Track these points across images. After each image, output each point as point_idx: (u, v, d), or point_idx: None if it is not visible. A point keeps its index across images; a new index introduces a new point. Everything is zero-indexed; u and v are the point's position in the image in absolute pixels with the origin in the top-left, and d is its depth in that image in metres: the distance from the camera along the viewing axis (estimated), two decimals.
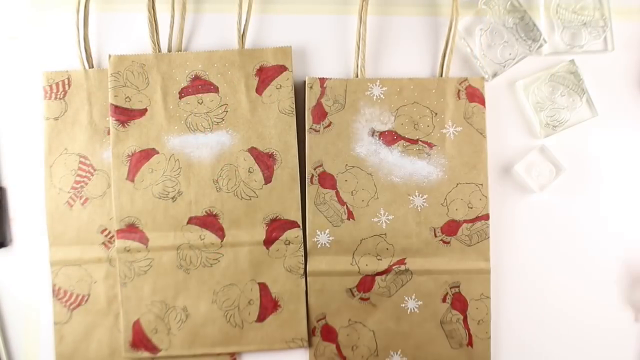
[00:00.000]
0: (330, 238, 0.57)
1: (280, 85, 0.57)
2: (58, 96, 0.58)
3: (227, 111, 0.57)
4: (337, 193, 0.57)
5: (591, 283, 0.60)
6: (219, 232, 0.57)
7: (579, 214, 0.61)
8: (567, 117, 0.60)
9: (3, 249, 0.59)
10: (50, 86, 0.58)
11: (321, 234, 0.57)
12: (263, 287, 0.57)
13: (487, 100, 0.58)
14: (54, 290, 0.57)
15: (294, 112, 0.57)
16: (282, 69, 0.58)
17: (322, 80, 0.58)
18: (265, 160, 0.57)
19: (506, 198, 0.60)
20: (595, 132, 0.61)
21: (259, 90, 0.58)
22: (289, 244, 0.57)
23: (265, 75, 0.58)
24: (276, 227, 0.57)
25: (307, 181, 0.57)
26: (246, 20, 0.58)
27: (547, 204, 0.60)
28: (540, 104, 0.60)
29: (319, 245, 0.57)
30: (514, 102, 0.61)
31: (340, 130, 0.58)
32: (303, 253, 0.57)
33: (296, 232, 0.57)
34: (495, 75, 0.59)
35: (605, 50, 0.61)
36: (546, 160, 0.60)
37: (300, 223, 0.57)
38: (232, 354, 0.58)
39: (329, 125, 0.57)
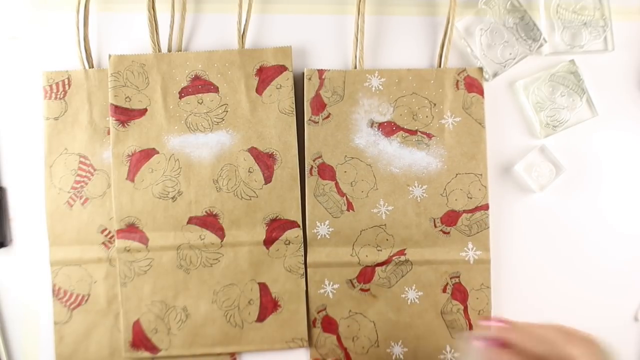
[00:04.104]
0: (330, 229, 0.57)
1: (280, 85, 0.57)
2: (58, 96, 0.58)
3: (227, 111, 0.57)
4: (337, 184, 0.57)
5: (590, 279, 0.60)
6: (219, 232, 0.57)
7: (579, 213, 0.61)
8: (567, 117, 0.60)
9: (3, 249, 0.59)
10: (50, 86, 0.58)
11: (321, 225, 0.57)
12: (263, 287, 0.57)
13: (487, 101, 0.59)
14: (54, 290, 0.57)
15: (294, 112, 0.57)
16: (282, 69, 0.58)
17: (321, 72, 0.58)
18: (265, 160, 0.57)
19: (506, 195, 0.60)
20: (595, 132, 0.61)
21: (259, 90, 0.58)
22: (289, 243, 0.57)
23: (265, 75, 0.58)
24: (276, 227, 0.57)
25: (306, 173, 0.57)
26: (246, 20, 0.58)
27: (547, 203, 0.60)
28: (540, 104, 0.60)
29: (319, 237, 0.57)
30: (514, 102, 0.61)
31: (339, 122, 0.58)
32: (303, 253, 0.57)
33: (296, 232, 0.57)
34: (495, 75, 0.59)
35: (605, 50, 0.61)
36: (546, 160, 0.60)
37: (300, 223, 0.57)
38: (232, 354, 0.58)
39: (327, 117, 0.57)
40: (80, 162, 0.58)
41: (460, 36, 0.60)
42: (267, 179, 0.57)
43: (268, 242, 0.57)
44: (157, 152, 0.57)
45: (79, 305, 0.57)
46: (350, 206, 0.58)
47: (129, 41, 0.59)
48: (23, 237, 0.59)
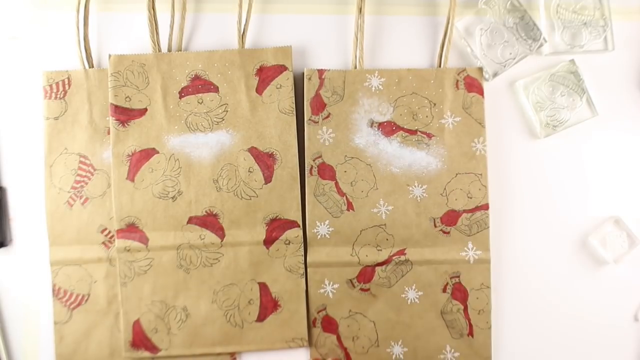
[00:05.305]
0: (330, 229, 0.57)
1: (280, 85, 0.57)
2: (58, 96, 0.58)
3: (227, 111, 0.57)
4: (337, 184, 0.57)
5: (590, 279, 0.60)
6: (219, 231, 0.57)
7: (578, 213, 0.61)
8: (567, 117, 0.60)
9: (3, 249, 0.59)
10: (50, 86, 0.58)
11: (321, 225, 0.57)
12: (263, 287, 0.57)
13: (487, 100, 0.59)
14: (54, 290, 0.57)
15: (294, 112, 0.57)
16: (282, 68, 0.58)
17: (321, 72, 0.58)
18: (265, 160, 0.57)
19: (506, 192, 0.60)
20: (595, 132, 0.61)
21: (259, 90, 0.58)
22: (289, 243, 0.57)
23: (265, 75, 0.58)
24: (276, 227, 0.57)
25: (306, 172, 0.57)
26: (246, 20, 0.58)
27: (546, 203, 0.60)
28: (540, 103, 0.60)
29: (319, 237, 0.57)
30: (514, 102, 0.61)
31: (339, 122, 0.58)
32: (303, 253, 0.57)
33: (296, 232, 0.57)
34: (495, 75, 0.59)
35: (605, 50, 0.61)
36: (621, 231, 0.60)
37: (300, 223, 0.57)
38: (232, 354, 0.58)
39: (327, 117, 0.57)
40: (80, 162, 0.58)
41: (460, 36, 0.60)
42: (267, 179, 0.57)
43: (268, 241, 0.57)
44: (157, 152, 0.57)
45: (79, 305, 0.57)
46: (350, 206, 0.57)
47: (129, 41, 0.59)
48: (23, 237, 0.59)
